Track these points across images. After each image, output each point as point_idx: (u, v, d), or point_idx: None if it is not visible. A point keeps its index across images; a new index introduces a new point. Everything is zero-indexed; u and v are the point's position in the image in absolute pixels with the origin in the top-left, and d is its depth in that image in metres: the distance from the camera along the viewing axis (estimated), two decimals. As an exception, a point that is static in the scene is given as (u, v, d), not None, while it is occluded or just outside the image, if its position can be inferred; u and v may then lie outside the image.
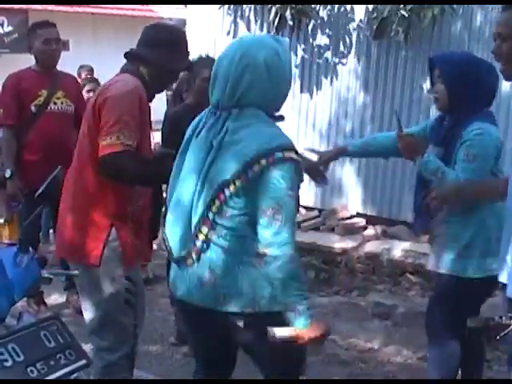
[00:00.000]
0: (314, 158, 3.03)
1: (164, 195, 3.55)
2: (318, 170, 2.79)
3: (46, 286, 2.34)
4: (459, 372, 3.00)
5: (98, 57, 10.07)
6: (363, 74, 5.85)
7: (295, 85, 6.08)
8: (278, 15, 5.79)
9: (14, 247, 2.16)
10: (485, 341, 3.09)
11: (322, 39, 5.99)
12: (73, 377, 1.91)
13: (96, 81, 5.95)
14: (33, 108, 4.10)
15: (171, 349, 3.92)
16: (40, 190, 2.29)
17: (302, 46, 6.09)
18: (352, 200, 6.01)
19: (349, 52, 5.89)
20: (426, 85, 5.54)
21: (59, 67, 4.28)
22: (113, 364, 2.62)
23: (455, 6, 5.23)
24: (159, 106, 4.55)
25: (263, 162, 1.97)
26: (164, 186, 3.91)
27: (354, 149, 3.19)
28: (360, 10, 5.74)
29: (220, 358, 2.42)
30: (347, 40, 5.88)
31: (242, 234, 2.06)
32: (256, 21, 6.26)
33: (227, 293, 2.08)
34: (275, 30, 5.92)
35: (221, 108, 2.10)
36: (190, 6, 6.97)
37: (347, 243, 5.51)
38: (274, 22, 5.86)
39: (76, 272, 2.51)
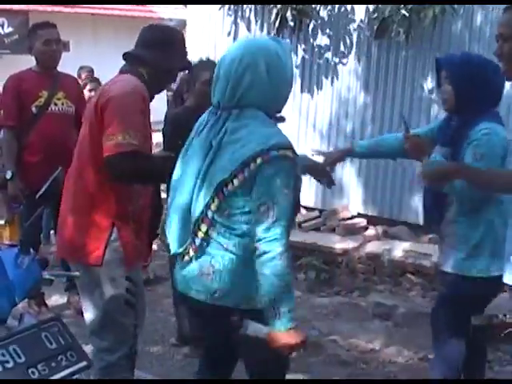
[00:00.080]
0: (320, 159, 3.02)
1: (162, 195, 3.57)
2: (324, 172, 2.77)
3: (47, 287, 2.34)
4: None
5: (98, 57, 10.07)
6: (364, 74, 5.85)
7: (296, 85, 6.08)
8: (279, 16, 5.78)
9: (14, 248, 2.16)
10: (487, 341, 3.09)
11: (322, 39, 5.99)
12: (74, 378, 1.91)
13: (97, 80, 5.96)
14: (33, 109, 4.10)
15: (172, 349, 3.92)
16: (41, 191, 2.29)
17: (303, 46, 6.09)
18: (353, 200, 6.01)
19: (349, 52, 5.89)
20: (427, 85, 5.55)
21: (60, 68, 4.28)
22: (112, 364, 2.62)
23: (456, 5, 5.23)
24: (160, 106, 4.56)
25: (259, 160, 2.01)
26: (163, 186, 3.94)
27: (361, 150, 3.18)
28: (360, 10, 5.74)
29: (220, 354, 2.47)
30: (347, 40, 5.88)
31: (240, 233, 2.09)
32: (256, 21, 6.26)
33: (223, 288, 2.11)
34: (276, 31, 5.92)
35: (221, 108, 2.14)
36: (190, 7, 6.97)
37: (348, 243, 5.52)
38: (274, 23, 5.86)
39: (77, 273, 2.50)
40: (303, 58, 6.11)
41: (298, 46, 6.08)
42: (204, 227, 2.11)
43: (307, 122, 6.18)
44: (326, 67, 6.02)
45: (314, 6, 5.84)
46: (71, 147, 2.77)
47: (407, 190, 5.75)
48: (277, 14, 5.83)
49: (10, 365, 1.79)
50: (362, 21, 5.77)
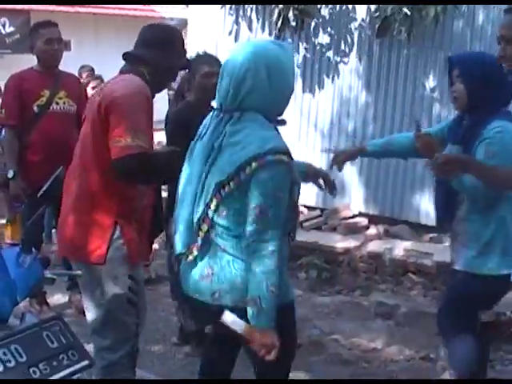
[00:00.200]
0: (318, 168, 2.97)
1: (163, 195, 3.58)
2: (326, 178, 2.76)
3: (48, 285, 2.34)
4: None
5: (99, 57, 10.07)
6: (365, 73, 5.85)
7: (297, 84, 6.07)
8: (281, 16, 5.78)
9: (16, 247, 2.16)
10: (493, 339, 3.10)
11: (323, 38, 5.99)
12: (75, 377, 1.91)
13: (100, 78, 5.96)
14: (35, 108, 4.10)
15: (173, 349, 3.92)
16: (42, 190, 2.29)
17: (304, 45, 6.09)
18: (354, 199, 6.01)
19: (351, 51, 5.89)
20: (429, 83, 5.54)
21: (61, 67, 4.28)
22: (114, 363, 2.62)
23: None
24: (161, 105, 4.55)
25: (254, 164, 2.06)
26: (164, 187, 3.94)
27: (373, 148, 3.18)
28: (362, 9, 5.74)
29: (222, 352, 2.57)
30: (349, 39, 5.88)
31: (236, 234, 2.15)
32: (258, 20, 6.26)
33: (221, 288, 2.18)
34: (278, 31, 5.92)
35: (224, 111, 2.20)
36: (191, 6, 6.97)
37: (349, 243, 5.51)
38: (276, 23, 5.86)
39: (79, 272, 2.50)
40: (305, 56, 6.10)
41: (300, 44, 6.08)
42: (205, 227, 2.18)
43: (308, 121, 6.18)
44: (328, 66, 6.02)
45: (316, 5, 5.84)
46: (73, 146, 2.76)
47: (408, 189, 5.75)
48: (279, 14, 5.82)
49: (12, 364, 1.79)
50: (363, 20, 5.76)
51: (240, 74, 2.12)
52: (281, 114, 2.26)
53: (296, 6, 5.73)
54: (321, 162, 6.10)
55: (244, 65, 2.12)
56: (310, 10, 5.77)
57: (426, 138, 2.76)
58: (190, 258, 2.23)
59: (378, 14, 5.48)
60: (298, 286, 5.11)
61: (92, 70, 6.73)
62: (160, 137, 4.07)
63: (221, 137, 2.16)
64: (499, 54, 2.36)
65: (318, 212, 6.06)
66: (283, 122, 2.27)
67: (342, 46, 5.91)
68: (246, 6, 6.28)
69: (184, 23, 8.70)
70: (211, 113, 2.29)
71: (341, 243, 5.51)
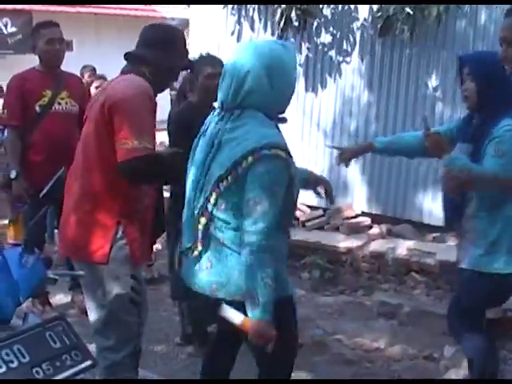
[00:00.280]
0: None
1: (164, 195, 3.59)
2: (328, 187, 2.75)
3: (51, 286, 2.33)
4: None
5: (100, 57, 10.08)
6: (368, 73, 5.84)
7: (299, 84, 6.07)
8: (284, 16, 5.77)
9: (19, 248, 2.16)
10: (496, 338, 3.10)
11: (326, 38, 5.98)
12: (78, 377, 1.90)
13: (104, 77, 5.95)
14: (37, 108, 4.10)
15: (176, 349, 3.91)
16: (45, 190, 2.29)
17: (307, 45, 6.08)
18: (357, 199, 6.00)
19: (353, 50, 5.88)
20: (431, 83, 5.53)
21: (63, 68, 4.27)
22: (117, 363, 2.62)
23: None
24: (163, 105, 4.55)
25: (250, 158, 2.12)
26: (165, 187, 3.94)
27: (381, 146, 3.18)
28: (364, 9, 5.73)
29: (222, 350, 2.65)
30: (351, 38, 5.87)
31: (234, 227, 2.20)
32: (260, 20, 6.25)
33: (219, 281, 2.24)
34: (280, 31, 5.91)
35: (225, 109, 2.25)
36: (192, 6, 6.95)
37: (352, 242, 5.51)
38: (279, 23, 5.85)
39: (81, 272, 2.50)
40: (307, 56, 6.10)
41: (302, 44, 6.07)
42: (203, 220, 2.24)
43: (311, 120, 6.17)
44: (330, 66, 6.01)
45: (318, 5, 5.83)
46: (75, 146, 2.76)
47: (411, 188, 5.74)
48: (281, 14, 5.81)
49: (15, 364, 1.79)
50: (365, 19, 5.75)
51: (241, 74, 2.16)
52: (282, 112, 2.29)
53: (298, 5, 5.72)
54: (323, 160, 6.11)
55: (245, 65, 2.16)
56: (312, 10, 5.77)
57: (435, 137, 2.75)
58: (196, 253, 2.28)
59: (380, 13, 5.47)
60: (301, 285, 5.11)
61: (94, 69, 6.73)
62: (162, 137, 4.07)
63: (221, 133, 2.21)
64: (501, 55, 2.37)
65: (320, 212, 6.05)
66: (284, 120, 2.31)
67: (345, 46, 5.90)
68: (249, 5, 6.28)
69: (185, 23, 8.69)
70: (213, 111, 2.33)
71: (343, 243, 5.50)
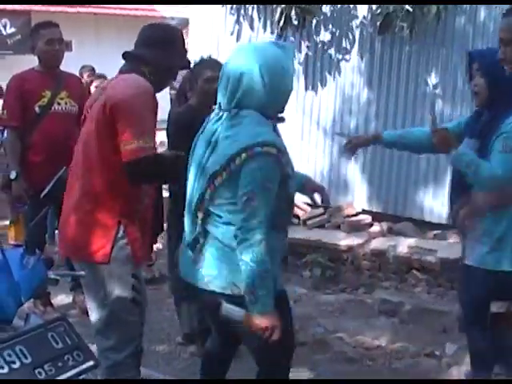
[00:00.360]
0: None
1: (163, 195, 3.60)
2: (320, 190, 2.78)
3: (52, 286, 2.34)
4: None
5: (100, 57, 10.06)
6: (367, 70, 5.84)
7: (299, 82, 6.07)
8: (284, 15, 5.77)
9: (20, 248, 2.16)
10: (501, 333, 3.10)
11: (325, 36, 5.98)
12: (81, 378, 1.90)
13: (103, 76, 5.95)
14: (37, 109, 4.09)
15: (178, 348, 3.91)
16: (46, 191, 2.29)
17: (306, 43, 6.08)
18: (357, 197, 6.00)
19: (352, 48, 5.88)
20: (431, 80, 5.53)
21: (62, 68, 4.26)
22: (119, 363, 2.61)
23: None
24: (163, 104, 4.54)
25: (244, 155, 2.17)
26: (165, 186, 3.95)
27: (388, 138, 3.16)
28: (363, 6, 5.73)
29: (220, 349, 2.69)
30: (350, 36, 5.86)
31: (226, 221, 2.27)
32: (259, 19, 6.24)
33: (211, 274, 2.31)
34: (279, 29, 5.91)
35: (222, 109, 2.31)
36: (192, 5, 6.94)
37: (353, 240, 5.51)
38: (278, 22, 5.85)
39: (82, 273, 2.50)
40: (307, 54, 6.09)
41: (302, 42, 6.07)
42: (200, 215, 2.32)
43: (311, 118, 6.17)
44: (330, 64, 6.01)
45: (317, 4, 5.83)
46: (74, 147, 2.76)
47: (412, 186, 5.74)
48: (281, 13, 5.81)
49: (17, 365, 1.79)
50: (364, 17, 5.75)
51: (236, 75, 2.23)
52: (279, 111, 2.35)
53: (298, 5, 5.72)
54: (323, 159, 6.11)
55: (240, 67, 2.23)
56: (311, 8, 5.77)
57: (442, 133, 2.75)
58: (198, 246, 2.35)
59: (379, 10, 5.47)
60: (302, 284, 5.11)
61: (93, 69, 6.73)
62: (162, 136, 4.07)
63: (218, 131, 2.28)
64: (499, 56, 2.37)
65: (321, 210, 6.05)
66: (282, 120, 2.36)
67: (344, 44, 5.90)
68: (248, 5, 6.27)
69: (185, 22, 8.68)
70: (213, 109, 2.39)
71: (344, 241, 5.50)
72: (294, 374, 2.63)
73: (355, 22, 5.82)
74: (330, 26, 5.93)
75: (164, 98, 4.62)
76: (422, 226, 5.64)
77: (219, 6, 6.35)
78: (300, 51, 6.06)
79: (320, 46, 6.02)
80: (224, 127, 2.26)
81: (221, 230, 2.28)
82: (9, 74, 4.30)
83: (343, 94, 5.99)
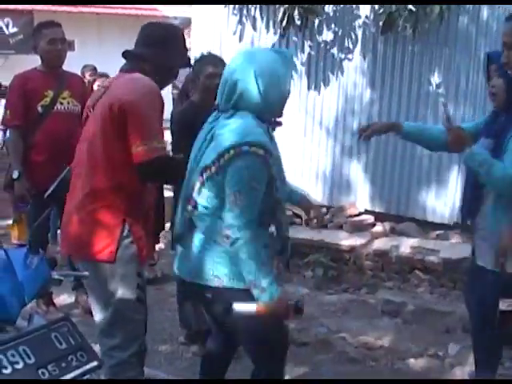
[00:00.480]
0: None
1: (165, 194, 3.60)
2: (316, 210, 2.85)
3: (55, 286, 2.33)
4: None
5: (103, 56, 10.04)
6: (370, 70, 5.83)
7: (302, 82, 6.07)
8: (287, 15, 5.76)
9: (23, 248, 2.16)
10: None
11: (328, 35, 5.97)
12: (84, 378, 1.90)
13: (106, 75, 5.95)
14: (39, 108, 4.09)
15: (180, 348, 3.91)
16: (49, 191, 2.29)
17: (309, 43, 6.06)
18: (360, 197, 5.99)
19: (355, 48, 5.87)
20: (434, 79, 5.52)
21: (65, 68, 4.26)
22: (124, 362, 2.61)
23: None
24: (166, 103, 4.54)
25: (232, 152, 2.25)
26: (169, 186, 3.96)
27: (408, 129, 3.06)
28: (366, 6, 5.72)
29: (220, 350, 2.73)
30: (353, 36, 5.85)
31: (212, 213, 2.35)
32: (262, 18, 6.23)
33: (195, 267, 2.40)
34: (282, 29, 5.91)
35: (220, 110, 2.41)
36: (194, 5, 6.94)
37: (355, 240, 5.50)
38: (281, 22, 5.84)
39: (86, 273, 2.49)
40: (309, 54, 6.08)
41: (304, 42, 6.06)
42: (190, 208, 2.41)
43: (313, 118, 6.16)
44: (333, 63, 6.00)
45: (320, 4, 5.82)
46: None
47: (415, 186, 5.73)
48: (284, 13, 5.80)
49: (20, 366, 1.79)
50: (367, 17, 5.74)
51: (233, 79, 2.31)
52: (278, 116, 2.44)
53: (301, 5, 5.71)
54: (326, 158, 6.11)
55: (235, 71, 2.32)
56: (314, 8, 5.76)
57: (457, 132, 2.73)
58: (188, 239, 2.43)
59: (382, 10, 5.46)
60: (305, 284, 5.11)
61: (94, 68, 6.73)
62: (165, 136, 4.07)
63: (213, 129, 2.37)
64: (503, 60, 2.36)
65: (323, 210, 6.04)
66: (279, 124, 2.45)
67: (347, 43, 5.89)
68: (250, 5, 6.26)
69: (188, 22, 8.69)
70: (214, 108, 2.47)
71: (347, 241, 5.50)
72: (294, 374, 2.62)
73: (358, 22, 5.81)
74: (333, 26, 5.93)
75: (166, 98, 4.62)
76: (425, 226, 5.63)
77: (222, 6, 6.34)
78: (303, 51, 6.05)
79: (323, 45, 6.01)
80: (219, 125, 2.36)
81: (206, 223, 2.37)
82: (11, 74, 4.29)
83: (346, 94, 5.98)
